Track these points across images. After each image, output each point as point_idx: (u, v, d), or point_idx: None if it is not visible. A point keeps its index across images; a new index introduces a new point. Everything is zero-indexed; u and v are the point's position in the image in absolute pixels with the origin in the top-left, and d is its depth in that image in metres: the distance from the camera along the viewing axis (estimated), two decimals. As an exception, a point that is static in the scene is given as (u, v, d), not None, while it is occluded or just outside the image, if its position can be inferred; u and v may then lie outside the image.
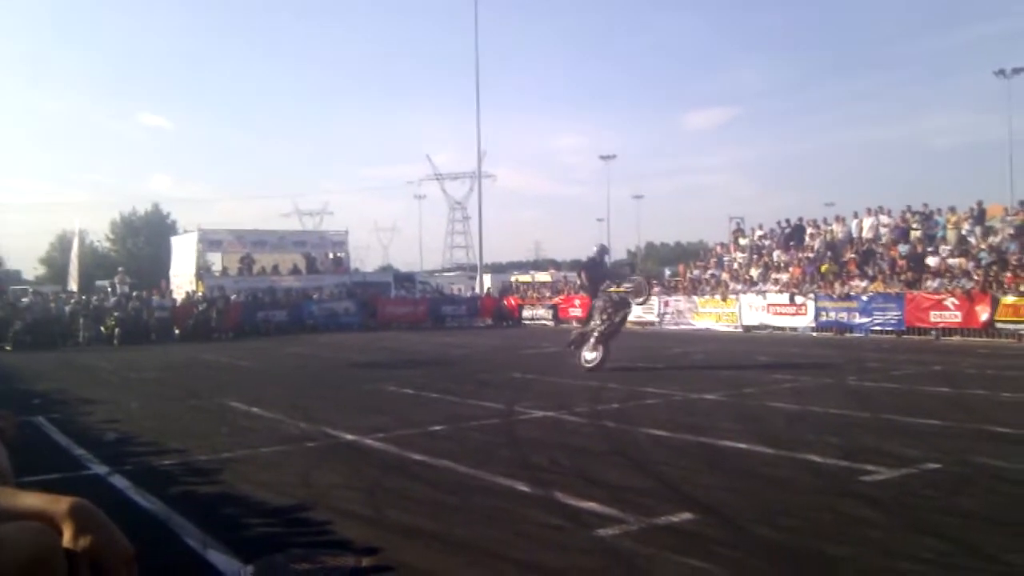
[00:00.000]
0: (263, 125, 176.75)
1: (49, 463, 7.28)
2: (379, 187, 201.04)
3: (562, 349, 15.61)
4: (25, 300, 28.86)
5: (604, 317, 14.15)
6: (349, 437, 8.17)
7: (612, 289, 14.41)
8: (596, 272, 15.12)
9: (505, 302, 35.95)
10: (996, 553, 4.23)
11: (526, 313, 34.27)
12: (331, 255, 37.67)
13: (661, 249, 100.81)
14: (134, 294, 30.43)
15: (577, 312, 31.64)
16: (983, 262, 21.00)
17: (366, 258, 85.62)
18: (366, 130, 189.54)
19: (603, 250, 15.77)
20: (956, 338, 19.56)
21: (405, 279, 42.74)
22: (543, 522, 5.00)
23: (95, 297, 30.92)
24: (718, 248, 32.93)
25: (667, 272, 38.76)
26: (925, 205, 25.67)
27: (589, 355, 14.09)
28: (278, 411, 10.11)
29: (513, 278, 52.54)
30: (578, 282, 15.14)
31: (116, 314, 27.56)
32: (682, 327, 25.77)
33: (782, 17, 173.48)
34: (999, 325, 19.01)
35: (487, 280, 45.88)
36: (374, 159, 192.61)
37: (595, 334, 14.17)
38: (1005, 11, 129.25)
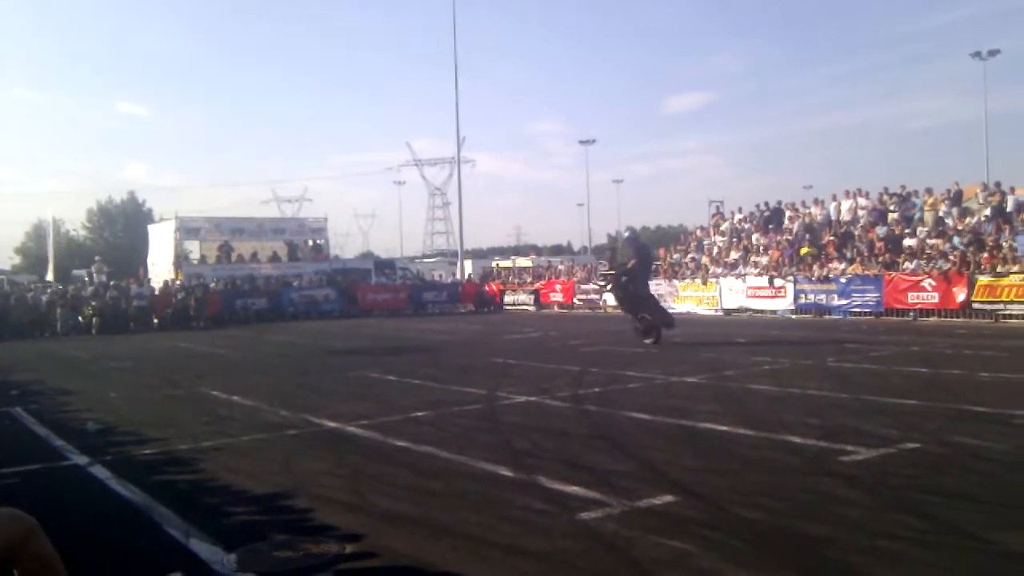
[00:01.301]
0: (240, 112, 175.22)
1: (28, 454, 7.24)
2: (358, 173, 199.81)
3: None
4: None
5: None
6: (331, 424, 8.15)
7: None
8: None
9: (486, 288, 35.92)
10: (975, 531, 4.27)
11: (507, 299, 34.28)
12: (310, 242, 37.51)
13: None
14: (112, 283, 30.16)
15: (559, 297, 31.80)
16: (959, 243, 21.20)
17: (346, 245, 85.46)
18: (344, 116, 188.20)
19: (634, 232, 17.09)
20: (934, 319, 19.76)
21: (385, 266, 42.52)
22: (526, 506, 5.01)
23: (72, 286, 30.60)
24: (698, 232, 33.01)
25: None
26: (902, 187, 25.85)
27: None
28: (258, 399, 10.06)
29: (494, 264, 52.52)
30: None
31: (94, 303, 27.34)
32: (663, 311, 25.80)
33: (761, 1, 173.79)
34: (976, 306, 19.21)
35: (468, 266, 45.83)
36: (353, 145, 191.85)
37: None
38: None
